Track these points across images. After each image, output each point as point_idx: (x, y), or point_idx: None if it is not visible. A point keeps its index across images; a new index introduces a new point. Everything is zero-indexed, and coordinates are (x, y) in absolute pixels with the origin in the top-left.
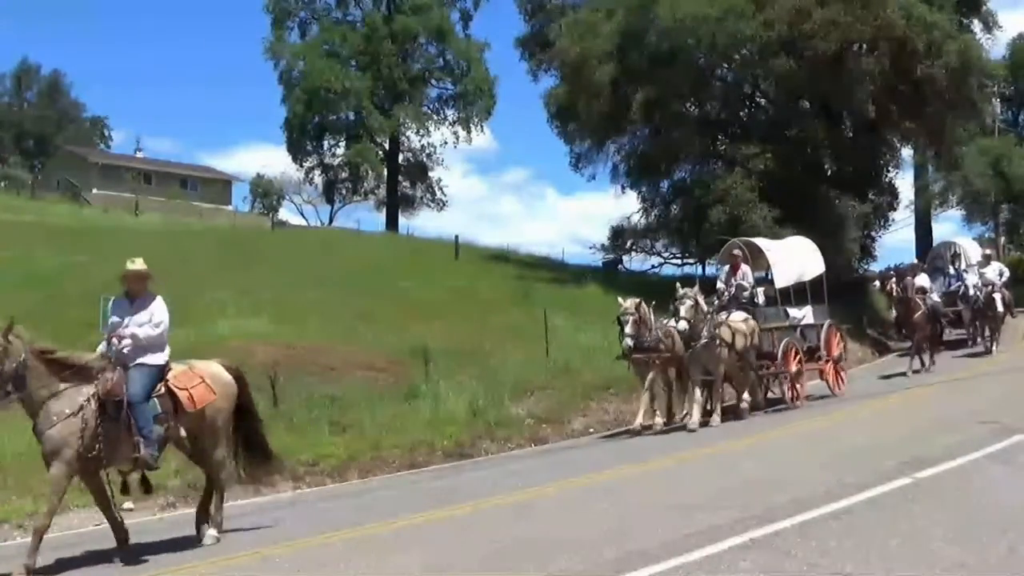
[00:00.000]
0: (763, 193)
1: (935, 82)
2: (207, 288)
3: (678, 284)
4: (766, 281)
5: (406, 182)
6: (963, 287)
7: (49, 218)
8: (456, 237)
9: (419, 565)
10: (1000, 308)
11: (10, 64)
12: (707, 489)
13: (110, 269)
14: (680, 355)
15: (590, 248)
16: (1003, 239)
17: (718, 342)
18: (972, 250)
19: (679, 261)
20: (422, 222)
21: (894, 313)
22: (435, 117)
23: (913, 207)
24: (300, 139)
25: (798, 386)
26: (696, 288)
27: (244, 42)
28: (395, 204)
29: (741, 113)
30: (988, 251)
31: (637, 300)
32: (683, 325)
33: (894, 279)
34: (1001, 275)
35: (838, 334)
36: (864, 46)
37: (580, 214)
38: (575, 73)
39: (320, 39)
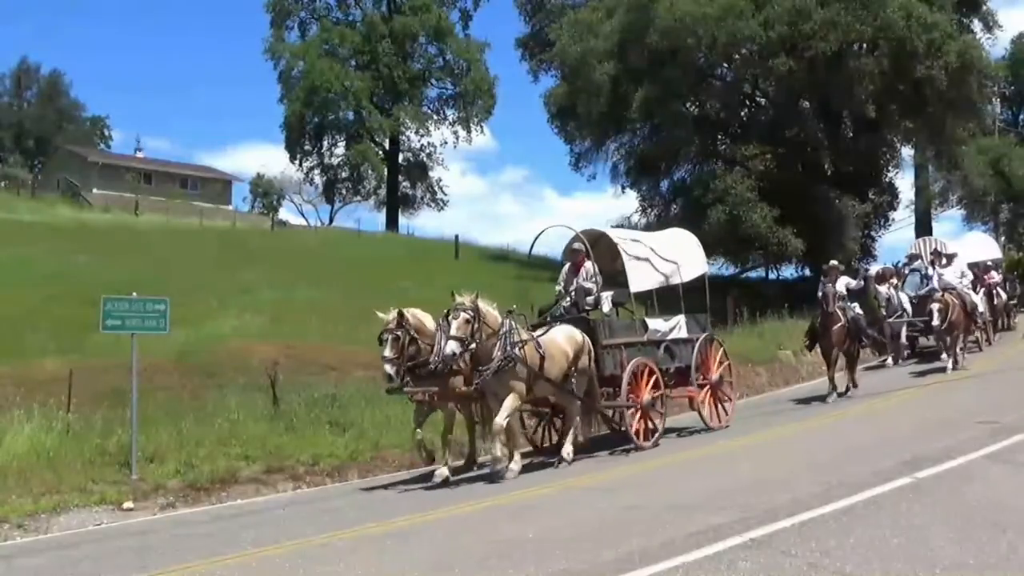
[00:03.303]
0: (763, 193)
1: (935, 82)
2: (207, 288)
3: (453, 293)
4: (617, 284)
5: (406, 182)
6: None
7: (49, 218)
8: (456, 237)
9: (419, 565)
10: (936, 321)
11: (10, 64)
12: (707, 489)
13: (110, 269)
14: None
15: None
16: (1003, 239)
17: (516, 366)
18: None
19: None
20: (422, 222)
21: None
22: (435, 117)
23: (913, 207)
24: (299, 139)
25: (655, 420)
26: (475, 295)
27: (244, 42)
28: (395, 204)
29: (741, 113)
30: (951, 250)
31: (408, 311)
32: (452, 348)
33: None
34: (963, 276)
35: (720, 351)
36: (864, 46)
37: (579, 214)
38: (575, 73)
39: (320, 39)
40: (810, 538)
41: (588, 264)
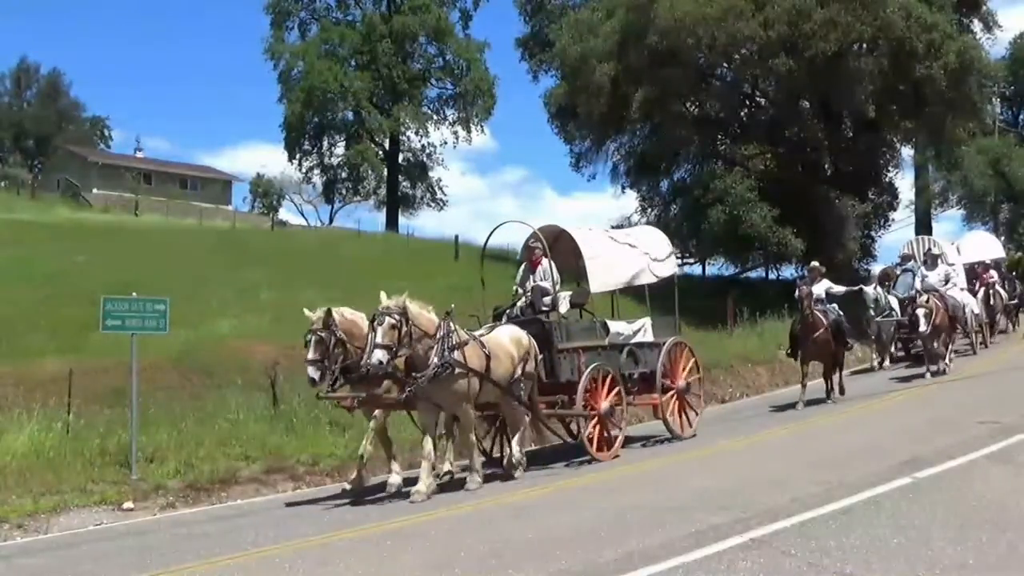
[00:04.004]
0: (763, 193)
1: (935, 82)
2: (207, 288)
3: (383, 294)
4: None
5: (406, 182)
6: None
7: (49, 218)
8: (456, 237)
9: (419, 565)
10: (923, 327)
11: (10, 64)
12: (707, 489)
13: (110, 269)
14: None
15: None
16: (1003, 239)
17: (456, 371)
18: (949, 250)
19: (679, 261)
20: (422, 222)
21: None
22: (435, 117)
23: (913, 207)
24: (299, 139)
25: (614, 429)
26: (403, 298)
27: (244, 42)
28: (395, 204)
29: (741, 113)
30: (936, 250)
31: (338, 311)
32: (378, 356)
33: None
34: (947, 280)
35: (688, 356)
36: (864, 46)
37: (578, 214)
38: (575, 73)
39: (319, 39)
40: (810, 538)
41: (545, 262)
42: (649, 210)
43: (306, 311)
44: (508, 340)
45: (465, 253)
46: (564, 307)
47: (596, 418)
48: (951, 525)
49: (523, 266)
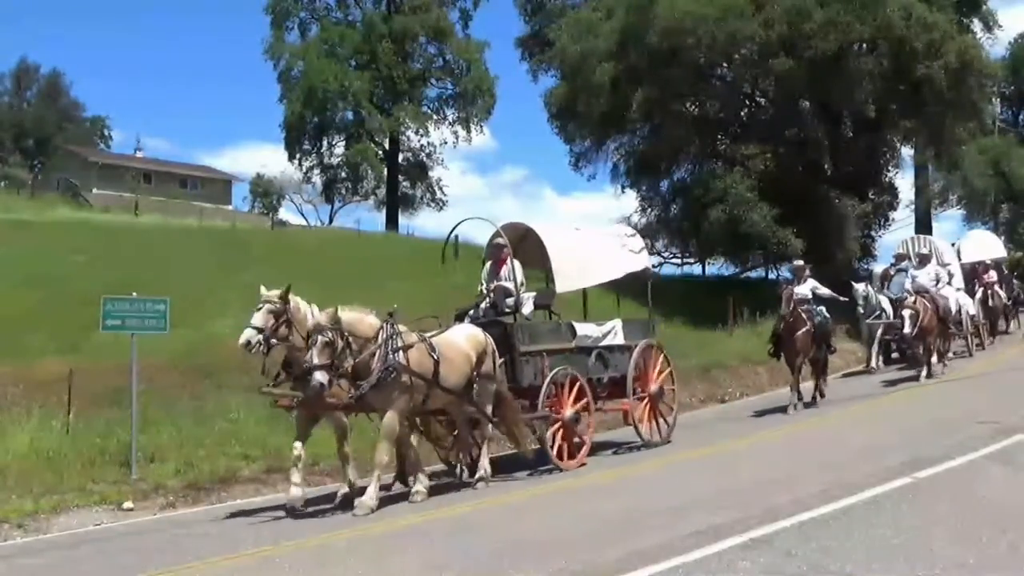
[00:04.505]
0: (763, 193)
1: (935, 82)
2: (207, 288)
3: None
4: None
5: (406, 182)
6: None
7: (49, 218)
8: (456, 237)
9: (419, 565)
10: (908, 328)
11: (10, 64)
12: (707, 489)
13: (110, 269)
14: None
15: None
16: (1003, 239)
17: (400, 376)
18: (945, 249)
19: (679, 261)
20: (422, 222)
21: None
22: (435, 117)
23: (913, 207)
24: (299, 139)
25: (579, 436)
26: (334, 310)
27: (244, 42)
28: (395, 204)
29: (741, 113)
30: (926, 250)
31: (295, 298)
32: (319, 379)
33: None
34: (937, 280)
35: (662, 360)
36: (864, 46)
37: (578, 214)
38: (575, 73)
39: (319, 39)
40: (810, 538)
41: (512, 262)
42: (649, 210)
43: (263, 288)
44: (463, 340)
45: (465, 253)
46: (528, 308)
47: (560, 425)
48: (951, 525)
49: (487, 265)
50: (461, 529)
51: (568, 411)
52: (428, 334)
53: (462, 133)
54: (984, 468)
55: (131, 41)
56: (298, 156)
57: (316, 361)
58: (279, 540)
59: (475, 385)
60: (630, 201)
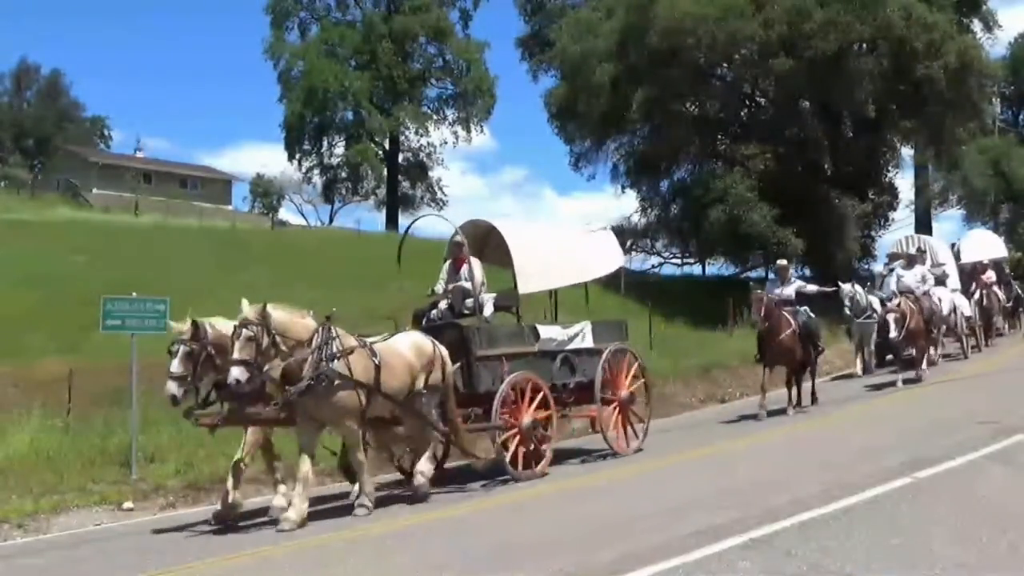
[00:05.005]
0: (763, 193)
1: (935, 82)
2: (207, 288)
3: (244, 302)
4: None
5: (406, 182)
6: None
7: (49, 218)
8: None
9: (419, 565)
10: (893, 333)
11: (10, 64)
12: (707, 489)
13: (110, 269)
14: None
15: None
16: (1003, 239)
17: (335, 382)
18: (940, 249)
19: (679, 261)
20: (422, 222)
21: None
22: (435, 117)
23: (913, 207)
24: (299, 139)
25: (539, 445)
26: (262, 306)
27: (244, 42)
28: (395, 204)
29: (741, 113)
30: (914, 249)
31: (206, 321)
32: (236, 374)
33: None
34: (924, 281)
35: (634, 365)
36: (864, 46)
37: (578, 214)
38: (575, 73)
39: (319, 39)
40: (810, 538)
41: (473, 262)
42: (649, 210)
43: (172, 323)
44: (406, 348)
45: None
46: (489, 310)
47: (517, 433)
48: (951, 525)
49: (447, 264)
50: (460, 530)
51: (526, 419)
52: (370, 339)
53: (462, 133)
54: (984, 468)
55: (131, 41)
56: (298, 156)
57: (236, 356)
58: (279, 540)
59: (422, 396)
60: (630, 201)
